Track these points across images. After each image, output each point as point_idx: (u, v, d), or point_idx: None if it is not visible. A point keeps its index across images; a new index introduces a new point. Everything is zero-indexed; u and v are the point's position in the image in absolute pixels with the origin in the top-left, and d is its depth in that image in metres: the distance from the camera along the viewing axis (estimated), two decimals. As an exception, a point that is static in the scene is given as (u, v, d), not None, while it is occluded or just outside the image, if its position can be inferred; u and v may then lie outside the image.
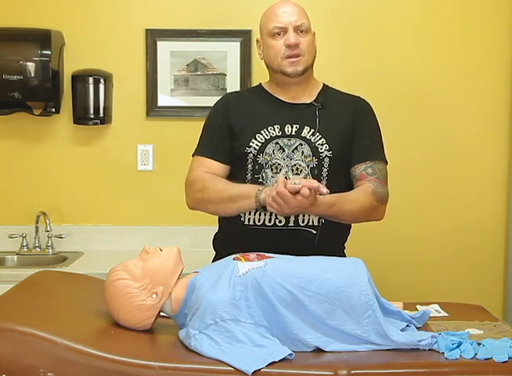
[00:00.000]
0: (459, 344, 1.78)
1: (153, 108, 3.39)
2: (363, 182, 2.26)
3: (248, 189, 2.19)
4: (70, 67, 3.34)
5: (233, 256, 1.98)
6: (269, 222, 2.23)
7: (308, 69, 2.29)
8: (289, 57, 2.24)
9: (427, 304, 2.19)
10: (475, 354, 1.76)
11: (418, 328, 1.95)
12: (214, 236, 2.44)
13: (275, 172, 2.24)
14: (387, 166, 2.34)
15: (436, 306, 2.17)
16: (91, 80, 3.28)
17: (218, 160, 2.31)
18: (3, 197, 3.43)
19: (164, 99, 3.39)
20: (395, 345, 1.81)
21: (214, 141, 2.33)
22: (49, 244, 3.35)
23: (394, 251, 3.40)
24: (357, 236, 3.38)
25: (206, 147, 2.34)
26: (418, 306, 2.16)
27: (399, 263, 3.39)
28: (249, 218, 2.24)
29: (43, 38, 3.21)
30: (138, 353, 1.75)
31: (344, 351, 1.80)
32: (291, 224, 2.23)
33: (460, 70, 3.38)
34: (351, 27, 3.38)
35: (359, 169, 2.28)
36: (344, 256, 2.35)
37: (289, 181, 2.04)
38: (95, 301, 2.02)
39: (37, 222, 3.35)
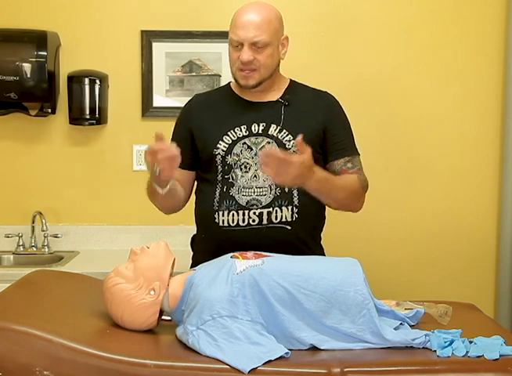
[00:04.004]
0: (452, 342, 1.80)
1: (148, 109, 3.40)
2: (345, 175, 2.32)
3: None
4: (65, 68, 3.35)
5: (231, 254, 1.99)
6: (243, 222, 2.24)
7: (264, 81, 2.29)
8: (242, 70, 2.26)
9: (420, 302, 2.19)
10: (467, 352, 1.77)
11: (411, 326, 1.96)
12: (192, 236, 2.45)
13: (245, 172, 2.26)
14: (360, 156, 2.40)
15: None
16: (86, 80, 3.28)
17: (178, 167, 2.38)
18: (-1, 196, 3.44)
19: (159, 100, 3.39)
20: (390, 343, 1.83)
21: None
22: (45, 243, 3.35)
23: (387, 250, 3.41)
24: (350, 235, 3.40)
25: None
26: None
27: (391, 262, 3.40)
28: (223, 220, 2.25)
29: (39, 39, 3.21)
30: (133, 352, 1.76)
31: (339, 349, 1.82)
32: (265, 222, 2.24)
33: (452, 72, 3.38)
34: (337, 30, 3.37)
35: (339, 164, 2.33)
36: (322, 248, 2.40)
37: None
38: (91, 300, 2.03)
39: (33, 222, 3.35)
